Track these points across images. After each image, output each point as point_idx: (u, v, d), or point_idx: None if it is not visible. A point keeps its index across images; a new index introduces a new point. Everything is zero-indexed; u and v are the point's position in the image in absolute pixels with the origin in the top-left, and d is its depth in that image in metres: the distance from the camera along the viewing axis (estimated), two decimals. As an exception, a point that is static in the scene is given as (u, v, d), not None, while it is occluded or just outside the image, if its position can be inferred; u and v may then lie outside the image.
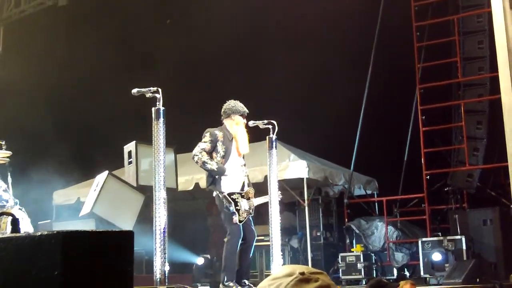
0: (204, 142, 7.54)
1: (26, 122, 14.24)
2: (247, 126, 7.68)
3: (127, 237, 2.40)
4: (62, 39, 15.07)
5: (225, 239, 7.53)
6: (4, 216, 7.52)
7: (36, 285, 2.27)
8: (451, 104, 13.16)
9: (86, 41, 15.49)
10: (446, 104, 13.18)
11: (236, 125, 7.72)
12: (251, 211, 7.54)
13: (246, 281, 7.48)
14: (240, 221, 7.40)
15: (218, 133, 7.62)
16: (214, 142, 7.55)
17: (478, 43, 12.67)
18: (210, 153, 7.51)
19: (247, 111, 7.80)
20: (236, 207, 7.40)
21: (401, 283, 6.57)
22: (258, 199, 7.67)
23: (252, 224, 7.70)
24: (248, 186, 7.72)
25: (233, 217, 7.39)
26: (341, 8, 14.26)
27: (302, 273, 1.62)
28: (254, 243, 7.81)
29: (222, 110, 7.84)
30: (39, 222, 10.13)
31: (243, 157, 7.80)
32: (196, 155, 7.45)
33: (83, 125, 15.17)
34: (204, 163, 7.42)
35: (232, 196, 7.43)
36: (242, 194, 7.52)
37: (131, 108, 11.25)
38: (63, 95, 15.47)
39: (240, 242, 7.49)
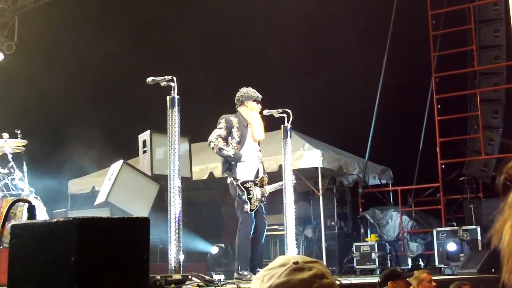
0: (220, 128, 7.54)
1: (41, 111, 14.31)
2: (261, 112, 7.66)
3: (143, 224, 2.40)
4: (77, 29, 15.09)
5: (238, 228, 7.54)
6: (20, 204, 7.57)
7: (52, 272, 2.28)
8: (467, 93, 13.09)
9: (101, 30, 15.51)
10: (462, 93, 13.11)
11: (250, 111, 7.70)
12: (263, 198, 7.54)
13: (260, 270, 7.47)
14: (251, 210, 7.41)
15: (233, 119, 7.62)
16: (229, 128, 7.54)
17: (494, 31, 12.56)
18: (225, 139, 7.50)
19: (260, 96, 7.78)
20: (249, 196, 7.40)
21: (416, 272, 6.54)
22: (270, 186, 7.66)
23: (264, 212, 7.70)
24: (263, 173, 7.71)
25: (245, 205, 7.40)
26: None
27: (295, 263, 1.61)
28: (266, 232, 7.81)
29: (236, 98, 7.83)
30: (54, 211, 10.19)
31: (259, 143, 7.79)
32: (212, 141, 7.45)
33: (97, 114, 15.20)
34: (220, 149, 7.42)
35: (245, 185, 7.43)
36: (256, 181, 7.52)
37: (145, 97, 11.26)
38: (78, 84, 15.53)
39: (252, 230, 7.50)
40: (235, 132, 7.56)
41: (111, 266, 2.26)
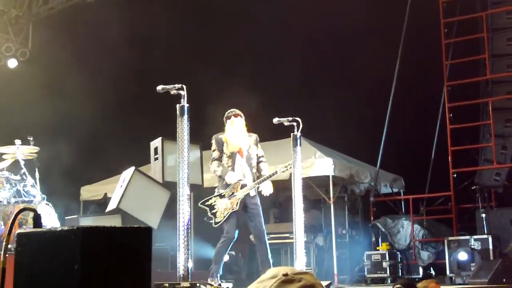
0: (213, 151, 7.89)
1: (54, 118, 14.38)
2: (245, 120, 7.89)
3: (145, 233, 2.43)
4: (90, 36, 15.16)
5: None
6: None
7: (57, 279, 2.31)
8: (479, 102, 13.04)
9: (114, 37, 15.59)
10: (474, 101, 13.06)
11: (231, 126, 7.91)
12: (235, 206, 7.59)
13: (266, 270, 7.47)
14: (216, 223, 7.63)
15: (222, 137, 7.86)
16: (220, 148, 7.83)
17: (507, 40, 12.54)
18: (220, 159, 7.82)
19: (230, 111, 7.94)
20: (213, 211, 7.60)
21: (425, 282, 6.49)
22: (244, 189, 7.67)
23: (257, 219, 7.68)
24: (253, 181, 7.74)
25: (210, 221, 7.61)
26: (369, 4, 14.21)
27: (285, 274, 1.63)
28: (266, 235, 7.79)
29: None
30: (66, 217, 10.25)
31: (251, 156, 7.87)
32: (213, 170, 7.84)
33: (110, 121, 15.26)
34: (215, 172, 7.83)
35: (206, 203, 7.68)
36: (222, 194, 7.61)
37: (158, 103, 11.31)
38: (91, 91, 15.60)
39: (231, 243, 7.68)
40: (225, 148, 7.82)
41: (113, 274, 2.29)
